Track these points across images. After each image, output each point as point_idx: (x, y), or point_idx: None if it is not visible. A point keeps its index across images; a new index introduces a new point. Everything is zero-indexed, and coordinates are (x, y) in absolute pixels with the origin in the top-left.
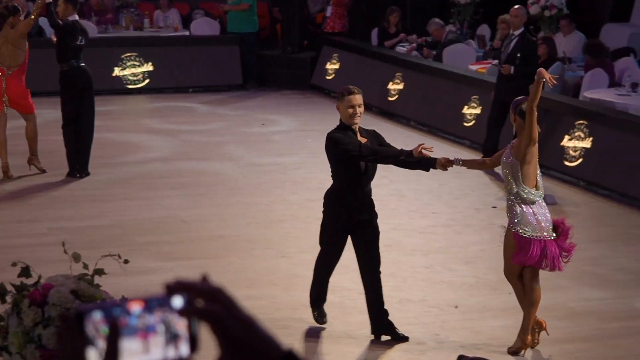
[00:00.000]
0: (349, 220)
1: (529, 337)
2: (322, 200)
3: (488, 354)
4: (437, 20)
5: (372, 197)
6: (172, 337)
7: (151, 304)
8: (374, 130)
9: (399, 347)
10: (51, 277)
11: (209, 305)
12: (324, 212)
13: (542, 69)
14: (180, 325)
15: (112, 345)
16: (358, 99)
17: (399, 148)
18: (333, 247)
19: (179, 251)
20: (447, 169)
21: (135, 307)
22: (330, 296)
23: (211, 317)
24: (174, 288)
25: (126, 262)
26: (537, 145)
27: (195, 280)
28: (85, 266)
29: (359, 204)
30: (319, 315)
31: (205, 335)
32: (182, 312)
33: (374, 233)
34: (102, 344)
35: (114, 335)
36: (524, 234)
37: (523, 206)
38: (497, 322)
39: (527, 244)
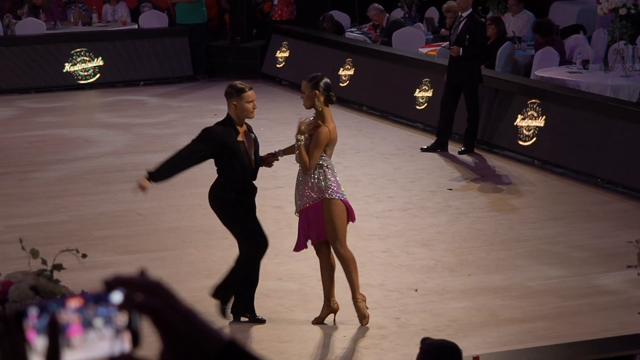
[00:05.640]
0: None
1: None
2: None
3: (449, 336)
4: (376, 5)
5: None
6: (114, 333)
7: (90, 300)
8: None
9: (361, 332)
10: (10, 274)
11: (148, 298)
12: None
13: (300, 122)
14: (121, 320)
15: (53, 342)
16: (254, 94)
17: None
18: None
19: (136, 244)
20: (271, 165)
21: (74, 303)
22: (289, 283)
23: (150, 310)
24: (112, 283)
25: (84, 256)
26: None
27: (133, 274)
28: (44, 262)
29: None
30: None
31: (148, 329)
32: (121, 307)
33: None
34: (42, 342)
35: (54, 332)
36: (344, 195)
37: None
38: (457, 304)
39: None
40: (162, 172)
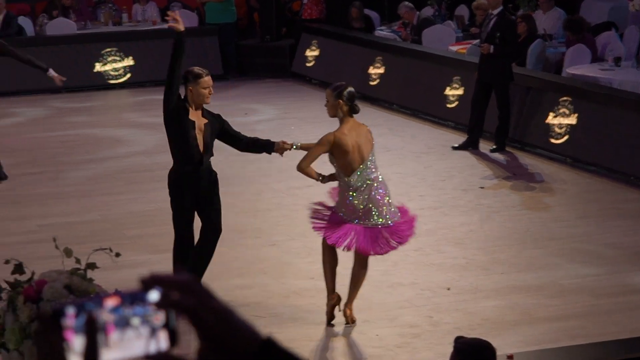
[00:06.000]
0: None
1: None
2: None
3: (482, 335)
4: (406, 3)
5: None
6: (151, 331)
7: (127, 299)
8: (219, 115)
9: (394, 331)
10: (44, 273)
11: (184, 297)
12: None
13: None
14: (158, 318)
15: (91, 341)
16: (210, 80)
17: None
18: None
19: (167, 243)
20: (282, 153)
21: (111, 302)
22: (321, 282)
23: (187, 308)
24: (149, 282)
25: (117, 255)
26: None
27: (169, 273)
28: (78, 261)
29: (201, 180)
30: None
31: (185, 327)
32: (158, 306)
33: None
34: (79, 341)
35: (91, 331)
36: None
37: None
38: (489, 303)
39: None
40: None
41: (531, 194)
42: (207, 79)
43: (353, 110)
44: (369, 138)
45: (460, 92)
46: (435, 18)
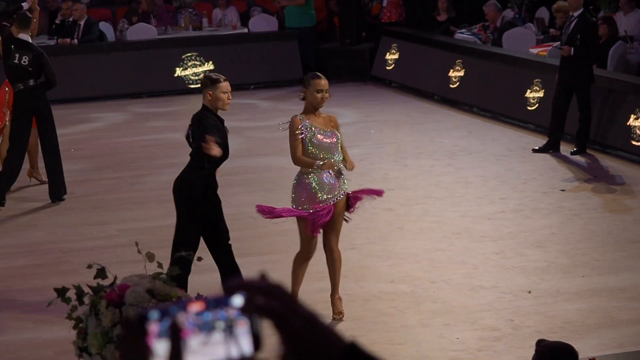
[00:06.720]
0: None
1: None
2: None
3: (564, 338)
4: (494, 2)
5: None
6: (235, 336)
7: (211, 304)
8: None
9: (474, 335)
10: (126, 277)
11: (269, 302)
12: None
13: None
14: (242, 323)
15: (175, 345)
16: (229, 86)
17: None
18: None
19: (247, 247)
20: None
21: (195, 307)
22: (401, 286)
23: (271, 313)
24: (233, 287)
25: (199, 259)
26: None
27: (253, 278)
28: (160, 265)
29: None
30: None
31: (269, 332)
32: (242, 311)
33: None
34: (164, 345)
35: (176, 336)
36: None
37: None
38: (571, 306)
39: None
40: None
41: (612, 196)
42: (226, 84)
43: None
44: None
45: (540, 94)
46: (515, 20)
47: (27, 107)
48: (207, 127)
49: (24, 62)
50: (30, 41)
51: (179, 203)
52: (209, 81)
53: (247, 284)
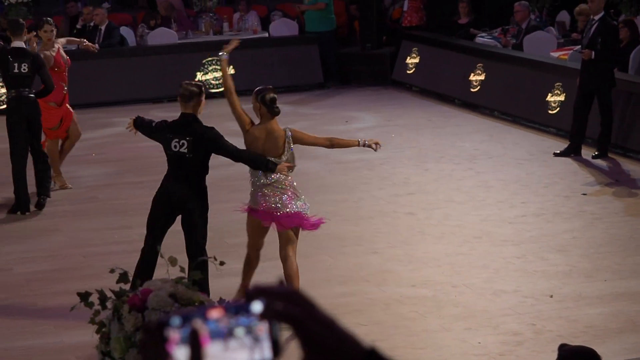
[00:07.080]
0: None
1: None
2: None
3: (586, 342)
4: (524, 2)
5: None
6: (254, 342)
7: (231, 310)
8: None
9: (496, 339)
10: (149, 281)
11: (288, 307)
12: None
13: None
14: (262, 329)
15: (195, 351)
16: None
17: None
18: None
19: (270, 252)
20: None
21: (215, 313)
22: (423, 290)
23: (291, 319)
24: (252, 293)
25: (222, 264)
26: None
27: (272, 283)
28: (182, 269)
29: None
30: None
31: (288, 338)
32: (262, 316)
33: None
34: (184, 351)
35: (195, 342)
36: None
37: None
38: (593, 310)
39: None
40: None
41: (634, 200)
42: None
43: (273, 113)
44: (279, 143)
45: (561, 98)
46: (539, 24)
47: (22, 113)
48: (222, 138)
49: (24, 69)
50: (25, 46)
51: (202, 210)
52: (199, 90)
53: (266, 289)
